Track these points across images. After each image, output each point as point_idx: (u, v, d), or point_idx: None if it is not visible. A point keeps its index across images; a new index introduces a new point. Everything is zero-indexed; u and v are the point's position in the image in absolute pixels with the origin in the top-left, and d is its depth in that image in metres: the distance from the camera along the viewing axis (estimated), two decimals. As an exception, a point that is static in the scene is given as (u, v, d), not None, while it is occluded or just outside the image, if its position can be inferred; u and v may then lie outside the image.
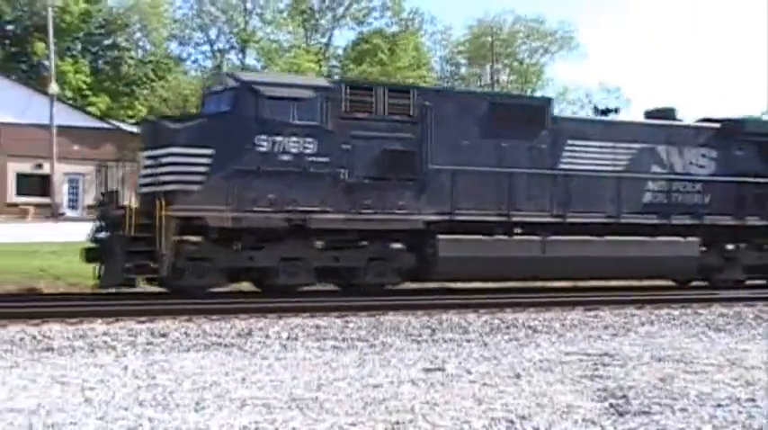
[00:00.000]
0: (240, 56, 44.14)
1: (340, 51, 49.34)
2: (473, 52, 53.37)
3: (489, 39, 49.09)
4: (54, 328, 11.40)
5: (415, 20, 50.10)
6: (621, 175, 18.34)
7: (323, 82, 17.76)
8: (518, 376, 8.42)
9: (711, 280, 19.38)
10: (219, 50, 44.81)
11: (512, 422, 6.35)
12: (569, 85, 75.51)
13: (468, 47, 53.85)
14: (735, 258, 19.54)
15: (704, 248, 18.96)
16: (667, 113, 20.54)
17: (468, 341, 11.29)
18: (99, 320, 12.19)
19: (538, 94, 54.18)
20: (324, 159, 15.67)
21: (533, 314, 14.16)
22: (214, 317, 12.81)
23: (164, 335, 11.08)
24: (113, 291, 15.70)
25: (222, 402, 6.96)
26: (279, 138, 15.37)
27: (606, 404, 7.05)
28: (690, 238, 18.68)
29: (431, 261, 16.35)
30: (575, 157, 18.04)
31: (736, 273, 19.63)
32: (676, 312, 14.79)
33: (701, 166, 19.39)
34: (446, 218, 16.53)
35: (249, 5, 44.02)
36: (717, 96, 75.83)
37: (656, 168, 18.95)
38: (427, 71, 48.92)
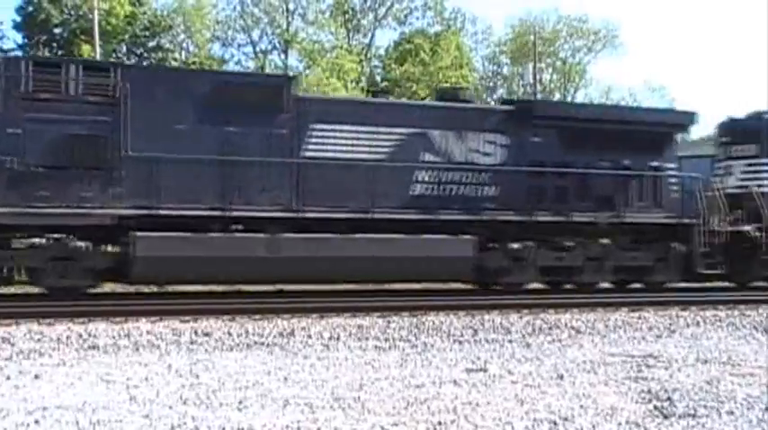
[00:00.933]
0: (282, 56, 44.21)
1: (382, 51, 49.33)
2: (515, 51, 53.17)
3: (531, 38, 48.78)
4: (99, 327, 11.56)
5: (456, 19, 50.00)
6: (377, 164, 16.19)
7: None
8: (561, 377, 8.36)
9: (497, 283, 17.28)
10: (262, 51, 44.91)
11: (554, 423, 6.30)
12: (611, 83, 74.73)
13: (510, 46, 53.68)
14: (524, 259, 17.03)
15: (493, 246, 16.81)
16: (454, 94, 18.64)
17: (511, 342, 11.23)
18: (143, 319, 12.38)
19: (581, 93, 53.42)
20: None
21: (576, 315, 14.07)
22: (257, 316, 12.92)
23: (207, 335, 11.18)
24: (155, 290, 15.96)
25: (265, 401, 6.99)
26: None
27: (651, 406, 6.97)
28: (463, 236, 16.40)
29: (127, 261, 14.49)
30: (321, 144, 16.00)
31: (527, 275, 17.27)
32: (723, 313, 14.58)
33: (487, 154, 17.12)
34: (146, 212, 14.63)
35: (291, 6, 44.10)
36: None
37: (427, 156, 16.70)
38: (469, 71, 48.63)
